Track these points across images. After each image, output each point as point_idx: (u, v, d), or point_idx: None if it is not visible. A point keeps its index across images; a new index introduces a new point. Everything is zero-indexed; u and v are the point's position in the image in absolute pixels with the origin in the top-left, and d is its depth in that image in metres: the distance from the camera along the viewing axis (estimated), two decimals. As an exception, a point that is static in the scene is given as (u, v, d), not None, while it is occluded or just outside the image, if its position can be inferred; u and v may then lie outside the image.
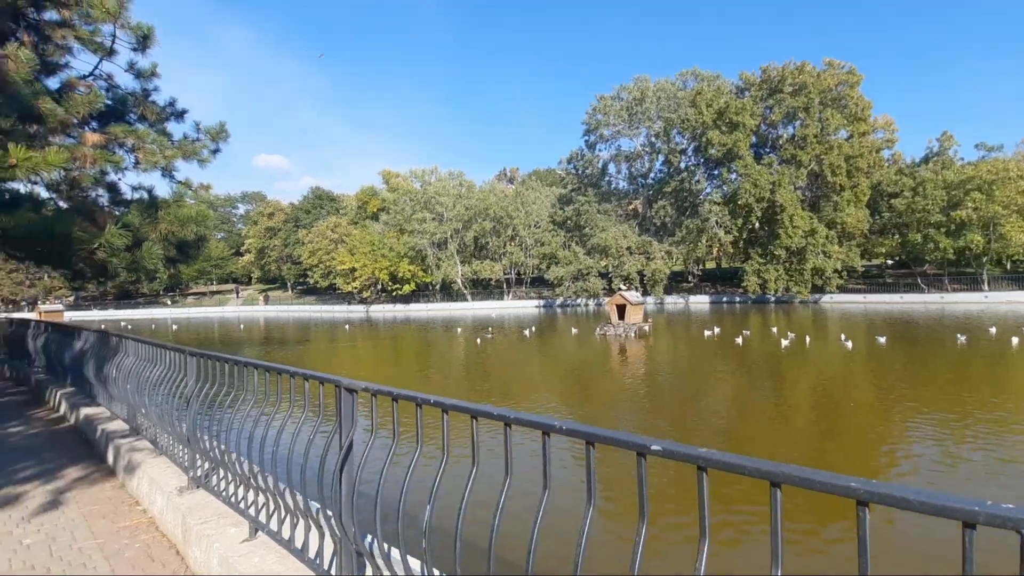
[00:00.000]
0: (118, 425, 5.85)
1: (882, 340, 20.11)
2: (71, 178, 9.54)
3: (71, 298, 77.15)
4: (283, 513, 3.00)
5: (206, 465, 3.92)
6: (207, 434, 3.81)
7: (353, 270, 61.13)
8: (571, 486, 6.72)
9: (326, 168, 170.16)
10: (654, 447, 1.33)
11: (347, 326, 40.86)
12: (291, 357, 23.22)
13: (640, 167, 64.21)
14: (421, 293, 66.18)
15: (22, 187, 9.62)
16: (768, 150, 57.11)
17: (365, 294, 64.77)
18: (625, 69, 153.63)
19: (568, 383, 15.59)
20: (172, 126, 12.00)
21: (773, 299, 51.56)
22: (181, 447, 4.24)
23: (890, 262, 59.78)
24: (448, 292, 66.71)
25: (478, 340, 25.80)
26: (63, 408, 7.71)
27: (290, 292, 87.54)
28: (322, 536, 2.65)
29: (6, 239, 7.26)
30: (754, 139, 54.45)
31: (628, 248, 55.72)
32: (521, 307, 60.37)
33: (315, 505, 2.78)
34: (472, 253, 64.88)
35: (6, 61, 6.33)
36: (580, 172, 64.39)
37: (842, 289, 50.62)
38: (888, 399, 11.94)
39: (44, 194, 9.99)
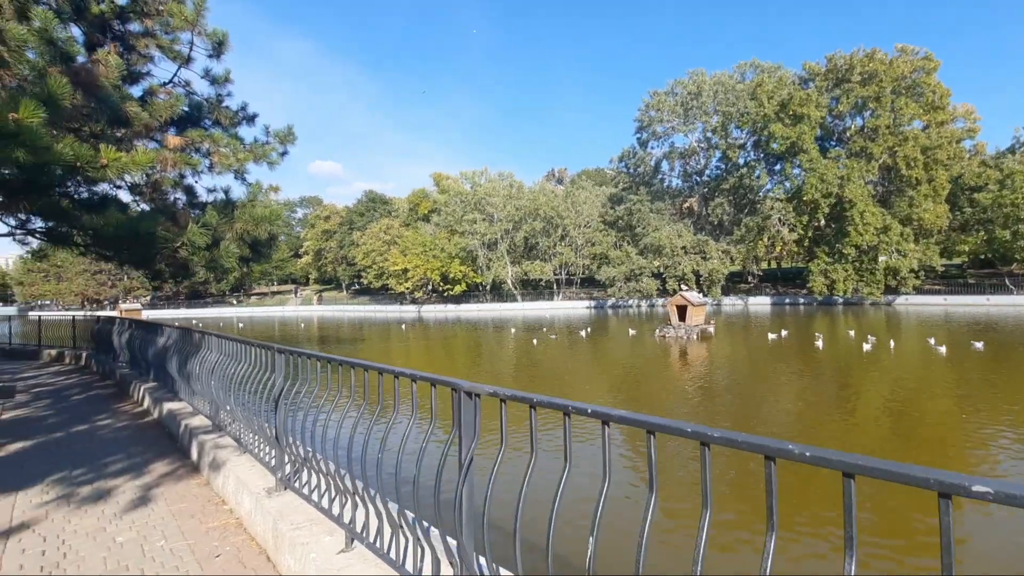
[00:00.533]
0: (200, 421, 5.88)
1: (979, 345, 18.28)
2: (153, 181, 9.91)
3: (147, 297, 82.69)
4: (383, 524, 2.76)
5: (294, 466, 3.77)
6: (296, 435, 3.66)
7: (406, 271, 62.29)
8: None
9: (377, 172, 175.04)
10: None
11: (403, 326, 41.44)
12: (358, 354, 23.55)
13: (695, 164, 62.20)
14: (471, 293, 66.67)
15: (105, 190, 10.09)
16: (834, 143, 53.94)
17: (417, 294, 65.88)
18: (675, 65, 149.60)
19: (636, 389, 14.82)
20: (243, 130, 12.37)
21: (841, 301, 48.58)
22: (267, 446, 4.12)
23: (969, 261, 55.08)
24: (498, 292, 66.88)
25: (534, 341, 25.42)
26: (147, 402, 7.94)
27: (345, 292, 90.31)
28: (433, 555, 2.38)
29: (97, 239, 7.55)
30: (819, 132, 51.49)
31: (683, 248, 54.01)
32: (571, 308, 59.68)
33: (411, 514, 2.51)
34: (522, 254, 64.76)
35: (97, 66, 6.53)
36: (632, 171, 63.06)
37: (919, 290, 47.06)
38: None
39: (126, 197, 10.46)
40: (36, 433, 6.81)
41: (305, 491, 3.56)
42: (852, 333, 23.63)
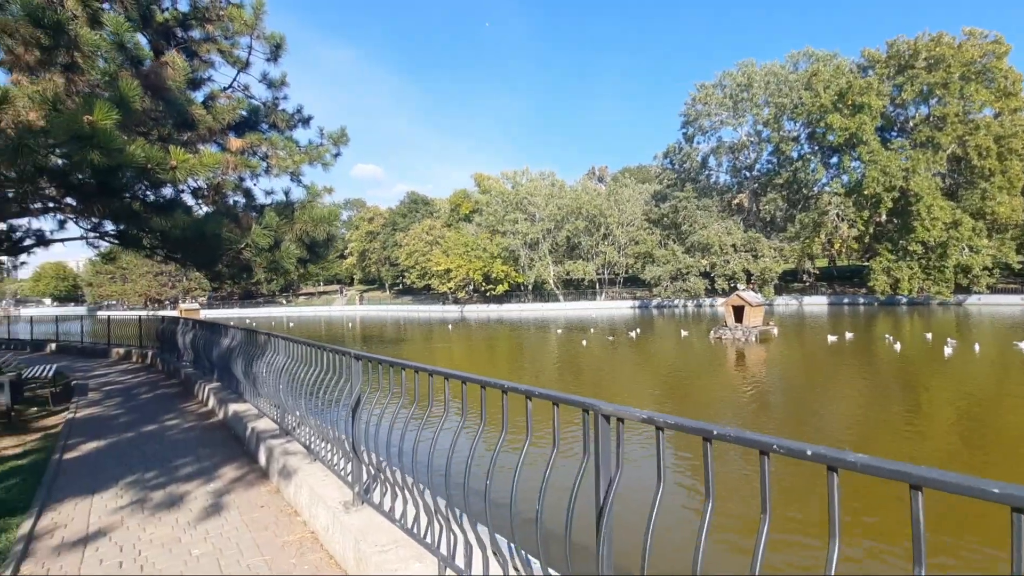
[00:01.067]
0: (267, 424, 5.78)
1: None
2: (215, 184, 10.05)
3: (204, 298, 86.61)
4: (481, 554, 2.46)
5: (372, 479, 3.53)
6: (373, 445, 3.41)
7: (448, 271, 62.74)
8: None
9: (417, 175, 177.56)
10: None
11: (449, 326, 41.54)
12: (416, 354, 23.64)
13: (745, 158, 59.95)
14: (513, 293, 66.53)
15: (171, 193, 10.31)
16: (896, 134, 50.89)
17: (460, 294, 66.24)
18: (719, 59, 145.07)
19: (704, 395, 14.02)
20: (298, 132, 12.48)
21: (904, 300, 45.69)
22: (341, 457, 3.90)
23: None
24: (540, 292, 66.49)
25: (584, 342, 24.87)
26: (211, 403, 8.00)
27: (388, 292, 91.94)
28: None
29: (165, 240, 7.65)
30: (880, 122, 48.56)
31: (733, 245, 52.12)
32: (615, 308, 58.62)
33: (517, 547, 2.19)
34: (564, 253, 64.14)
35: (165, 68, 6.57)
36: (677, 167, 61.33)
37: (992, 289, 43.71)
38: None
39: (189, 201, 10.67)
40: (108, 432, 6.93)
41: (385, 507, 3.32)
42: (929, 336, 21.94)
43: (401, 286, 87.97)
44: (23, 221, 13.14)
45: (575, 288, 66.60)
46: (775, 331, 22.81)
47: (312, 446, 4.54)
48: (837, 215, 48.13)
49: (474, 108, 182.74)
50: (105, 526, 4.00)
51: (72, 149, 4.92)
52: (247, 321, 53.24)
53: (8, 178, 5.67)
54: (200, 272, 12.92)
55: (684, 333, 27.06)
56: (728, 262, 51.61)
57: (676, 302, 55.33)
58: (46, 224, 10.41)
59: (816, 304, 50.80)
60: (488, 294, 65.31)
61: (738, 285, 33.87)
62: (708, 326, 33.38)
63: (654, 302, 57.05)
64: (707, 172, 61.55)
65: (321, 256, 9.46)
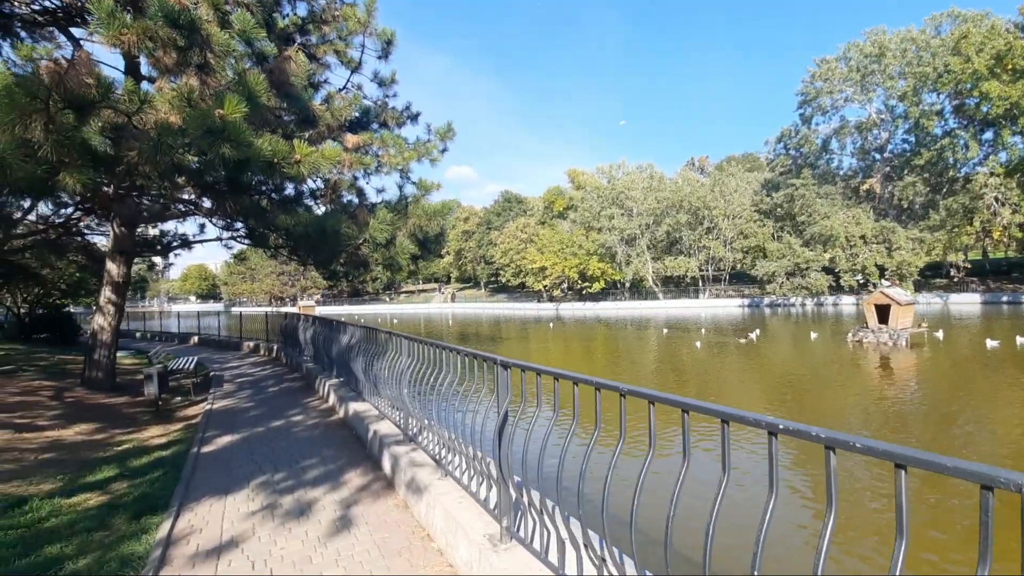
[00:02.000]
0: (388, 427, 5.47)
1: None
2: (332, 183, 10.20)
3: (318, 295, 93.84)
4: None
5: (520, 510, 2.93)
6: (520, 469, 2.82)
7: (543, 269, 62.39)
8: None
9: (509, 174, 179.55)
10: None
11: (550, 324, 40.93)
12: (522, 354, 23.37)
13: (874, 138, 53.31)
14: (609, 291, 64.73)
15: (291, 194, 10.62)
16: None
17: (555, 292, 65.64)
18: (830, 35, 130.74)
19: (852, 411, 11.90)
20: (406, 129, 12.46)
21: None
22: (482, 483, 3.36)
23: None
24: (637, 290, 64.05)
25: (697, 344, 23.06)
26: (332, 399, 8.00)
27: (483, 290, 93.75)
28: None
29: (289, 237, 7.75)
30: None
31: (862, 237, 46.50)
32: (721, 306, 54.80)
33: None
34: (664, 249, 61.20)
35: (288, 63, 6.54)
36: (793, 152, 56.02)
37: None
38: None
39: (307, 202, 10.96)
40: (240, 426, 7.07)
41: (537, 545, 2.71)
42: None
43: (496, 284, 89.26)
44: (170, 227, 14.34)
45: (675, 285, 63.33)
46: (939, 335, 19.36)
47: (441, 459, 4.07)
48: (996, 199, 41.11)
49: (564, 106, 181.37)
50: (238, 535, 3.79)
51: (206, 144, 4.88)
52: (356, 317, 56.66)
53: (150, 178, 5.85)
54: (318, 270, 13.39)
55: (814, 335, 24.15)
56: (856, 255, 46.13)
57: (792, 300, 50.53)
58: (189, 228, 11.17)
59: (966, 303, 43.81)
60: (583, 292, 64.05)
61: (880, 281, 29.79)
62: (837, 327, 29.80)
63: (766, 300, 52.57)
64: (828, 156, 55.61)
65: (432, 252, 9.26)
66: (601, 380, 2.28)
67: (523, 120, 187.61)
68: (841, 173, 55.34)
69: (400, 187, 9.67)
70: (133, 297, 61.10)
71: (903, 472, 1.25)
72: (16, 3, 8.48)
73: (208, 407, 8.38)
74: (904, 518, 1.26)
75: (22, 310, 23.58)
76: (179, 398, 9.61)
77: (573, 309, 61.67)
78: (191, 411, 8.67)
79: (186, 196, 9.44)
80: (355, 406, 6.67)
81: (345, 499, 4.39)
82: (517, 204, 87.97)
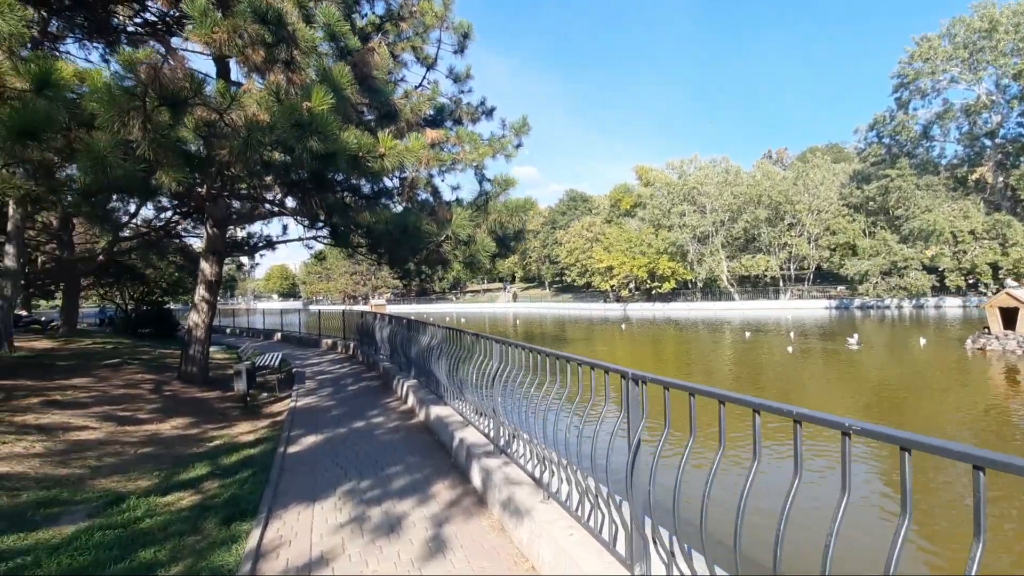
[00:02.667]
0: (475, 436, 5.12)
1: None
2: (410, 180, 10.09)
3: (388, 295, 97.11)
4: None
5: (664, 564, 2.42)
6: (650, 494, 2.32)
7: (610, 268, 60.96)
8: None
9: (572, 174, 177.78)
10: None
11: (622, 326, 39.57)
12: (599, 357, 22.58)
13: (984, 122, 47.78)
14: (679, 291, 62.23)
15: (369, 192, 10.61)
16: None
17: (623, 292, 63.96)
18: (920, 14, 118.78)
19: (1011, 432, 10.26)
20: (481, 125, 12.20)
21: None
22: (604, 519, 2.88)
23: None
24: (710, 290, 61.17)
25: (789, 348, 21.11)
26: (411, 401, 7.81)
27: (547, 290, 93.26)
28: None
29: (370, 234, 7.65)
30: None
31: (971, 232, 41.78)
32: (804, 308, 51.10)
33: None
34: (740, 247, 58.01)
35: (371, 54, 6.37)
36: (888, 140, 51.34)
37: None
38: None
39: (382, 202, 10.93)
40: (324, 425, 7.01)
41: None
42: None
43: (561, 284, 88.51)
44: (256, 228, 14.88)
45: (751, 285, 59.88)
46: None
47: (541, 479, 3.64)
48: None
49: (629, 102, 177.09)
50: (328, 551, 3.53)
51: (293, 137, 4.73)
52: (425, 316, 57.94)
53: (240, 177, 5.84)
54: (394, 269, 13.43)
55: (923, 341, 21.65)
56: (964, 253, 41.50)
57: (886, 302, 46.27)
58: (273, 230, 11.52)
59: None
60: (652, 292, 61.96)
61: (1006, 281, 26.42)
62: (946, 332, 26.76)
63: (856, 302, 48.49)
64: (928, 143, 50.55)
65: (511, 250, 8.91)
66: (762, 401, 1.75)
67: (586, 119, 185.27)
68: (944, 162, 50.15)
69: (480, 182, 9.38)
70: (224, 295, 65.82)
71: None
72: (122, 17, 8.96)
73: (292, 404, 8.45)
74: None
75: (129, 307, 25.74)
76: (265, 394, 9.83)
77: (641, 309, 59.76)
78: (277, 407, 8.80)
79: (272, 197, 9.64)
80: (436, 410, 6.39)
81: (435, 515, 4.06)
82: (582, 203, 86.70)
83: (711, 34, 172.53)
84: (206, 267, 10.32)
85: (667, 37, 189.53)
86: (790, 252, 54.79)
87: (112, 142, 4.38)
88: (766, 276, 56.40)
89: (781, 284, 58.00)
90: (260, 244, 15.42)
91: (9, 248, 12.30)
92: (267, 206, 8.43)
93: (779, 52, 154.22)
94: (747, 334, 27.89)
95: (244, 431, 7.27)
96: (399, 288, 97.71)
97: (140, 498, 4.63)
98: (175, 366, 11.40)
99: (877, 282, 45.30)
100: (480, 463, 4.48)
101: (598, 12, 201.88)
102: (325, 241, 12.55)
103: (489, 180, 11.09)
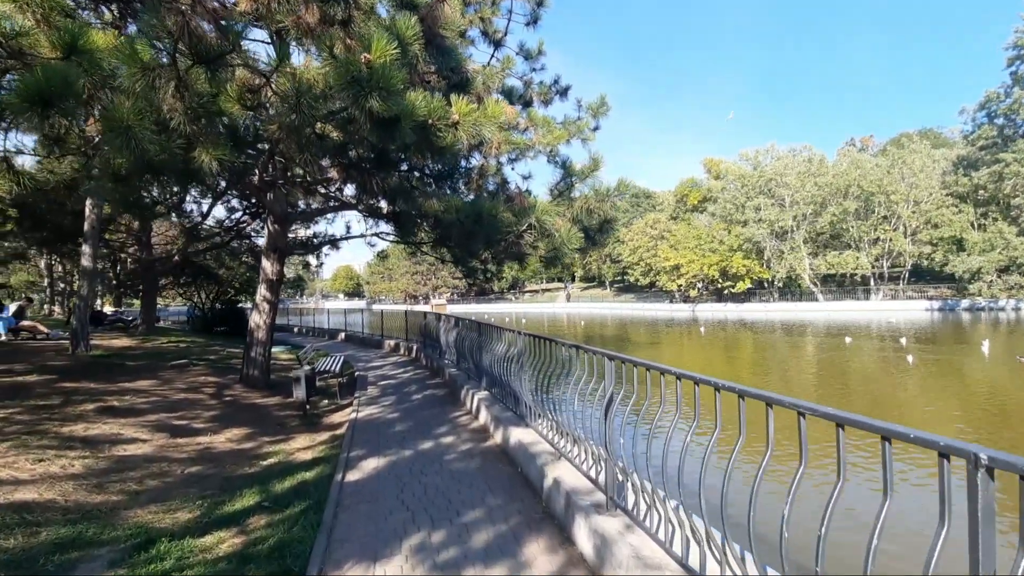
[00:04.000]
0: (574, 476, 3.97)
1: None
2: (478, 168, 9.10)
3: (448, 294, 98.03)
4: None
5: None
6: None
7: (677, 267, 58.01)
8: None
9: (634, 169, 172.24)
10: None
11: (701, 328, 36.77)
12: (688, 365, 20.49)
13: None
14: (753, 291, 58.27)
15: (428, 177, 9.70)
16: None
17: (691, 292, 60.71)
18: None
19: None
20: (554, 107, 11.05)
21: None
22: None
23: None
24: (789, 290, 56.87)
25: (909, 358, 18.39)
26: (483, 417, 6.79)
27: (608, 290, 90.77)
28: None
29: (438, 224, 6.69)
30: None
31: (1112, 222, 36.12)
32: (901, 309, 46.15)
33: None
34: (824, 243, 53.48)
35: (440, 7, 5.37)
36: (1001, 120, 45.53)
37: None
38: None
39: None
40: (385, 445, 6.11)
41: None
42: None
43: (622, 283, 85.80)
44: (321, 228, 14.41)
45: (836, 284, 55.08)
46: None
47: (698, 564, 2.44)
48: None
49: (693, 94, 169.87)
50: (391, 658, 2.51)
51: (349, 97, 3.77)
52: (485, 316, 57.52)
53: (293, 159, 5.01)
54: (459, 267, 12.55)
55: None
56: (1103, 246, 35.94)
57: (1002, 303, 40.94)
58: (336, 229, 10.86)
59: None
60: (724, 291, 58.35)
61: None
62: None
63: (962, 303, 43.29)
64: (1053, 122, 44.33)
65: (597, 242, 7.70)
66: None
67: (648, 113, 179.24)
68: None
69: (562, 164, 8.21)
70: (293, 294, 68.38)
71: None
72: None
73: (354, 415, 7.67)
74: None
75: (205, 306, 26.62)
76: (326, 401, 9.17)
77: (713, 310, 56.35)
78: (337, 417, 8.06)
79: (331, 190, 8.94)
80: (517, 433, 5.30)
81: (535, 597, 2.95)
82: (645, 199, 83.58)
83: (779, 19, 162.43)
84: (267, 265, 9.81)
85: (732, 24, 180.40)
86: (883, 248, 49.82)
87: (137, 108, 3.58)
88: (855, 275, 51.61)
89: (872, 283, 52.92)
90: (323, 242, 15.05)
91: (86, 248, 12.44)
92: (324, 191, 7.76)
93: (858, 32, 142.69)
94: (847, 339, 24.97)
95: (301, 446, 6.51)
96: (459, 288, 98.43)
97: (174, 540, 3.84)
98: (239, 367, 11.03)
99: (992, 280, 40.12)
100: (589, 522, 3.33)
101: (655, 7, 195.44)
102: (388, 238, 11.81)
103: (565, 166, 9.96)
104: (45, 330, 14.94)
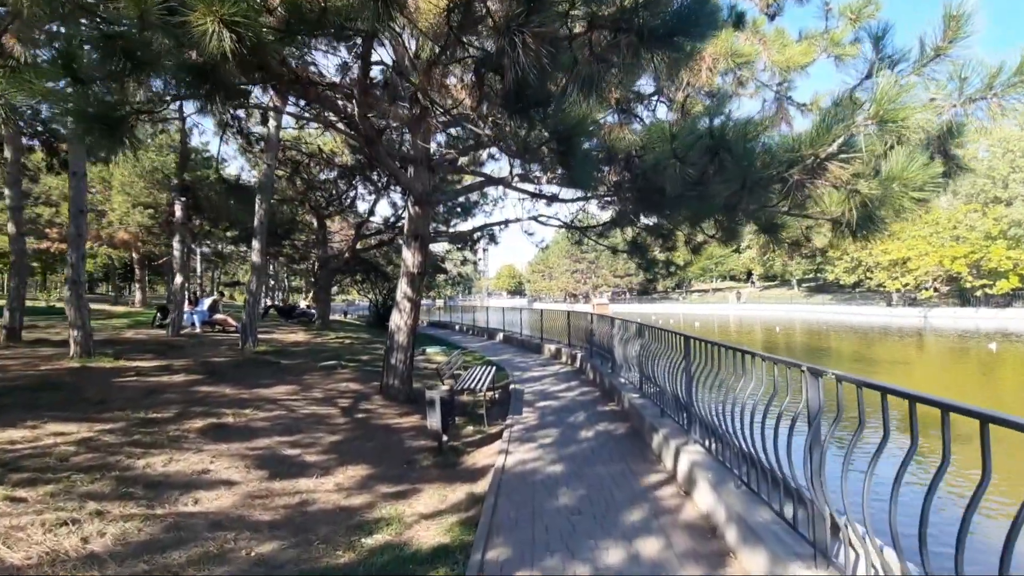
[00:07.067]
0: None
1: None
2: (680, 100, 6.31)
3: (609, 293, 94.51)
4: None
5: None
6: None
7: (903, 261, 46.54)
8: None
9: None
10: None
11: (991, 345, 25.03)
12: None
13: None
14: (1018, 293, 44.07)
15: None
16: None
17: (924, 294, 48.31)
18: None
19: None
20: (785, 17, 7.62)
21: None
22: None
23: None
24: (1076, 291, 41.90)
25: None
26: (701, 495, 4.05)
27: (795, 289, 78.75)
28: None
29: (628, 168, 4.12)
30: None
31: None
32: None
33: None
34: None
35: None
36: None
37: None
38: None
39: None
40: (543, 529, 3.72)
41: None
42: None
43: (816, 282, 73.47)
44: (479, 221, 12.72)
45: None
46: None
47: None
48: None
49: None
50: None
51: None
52: (652, 317, 53.04)
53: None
54: (639, 255, 9.82)
55: None
56: None
57: None
58: (496, 216, 8.97)
59: None
60: (977, 293, 45.04)
61: None
62: None
63: None
64: None
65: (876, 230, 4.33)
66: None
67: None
68: None
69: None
70: (461, 292, 71.48)
71: None
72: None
73: (502, 459, 5.51)
74: None
75: (378, 301, 27.71)
76: (470, 428, 7.21)
77: (955, 317, 43.84)
78: (481, 456, 6.00)
79: (477, 123, 6.89)
80: (788, 560, 2.48)
81: None
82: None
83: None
84: (408, 256, 8.24)
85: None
86: None
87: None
88: None
89: None
90: (482, 227, 13.62)
91: (255, 243, 12.48)
92: (470, 127, 5.80)
93: None
94: None
95: (425, 511, 4.50)
96: (619, 287, 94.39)
97: None
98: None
99: None
100: None
101: None
102: (550, 221, 9.61)
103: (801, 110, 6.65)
104: (234, 324, 15.87)
